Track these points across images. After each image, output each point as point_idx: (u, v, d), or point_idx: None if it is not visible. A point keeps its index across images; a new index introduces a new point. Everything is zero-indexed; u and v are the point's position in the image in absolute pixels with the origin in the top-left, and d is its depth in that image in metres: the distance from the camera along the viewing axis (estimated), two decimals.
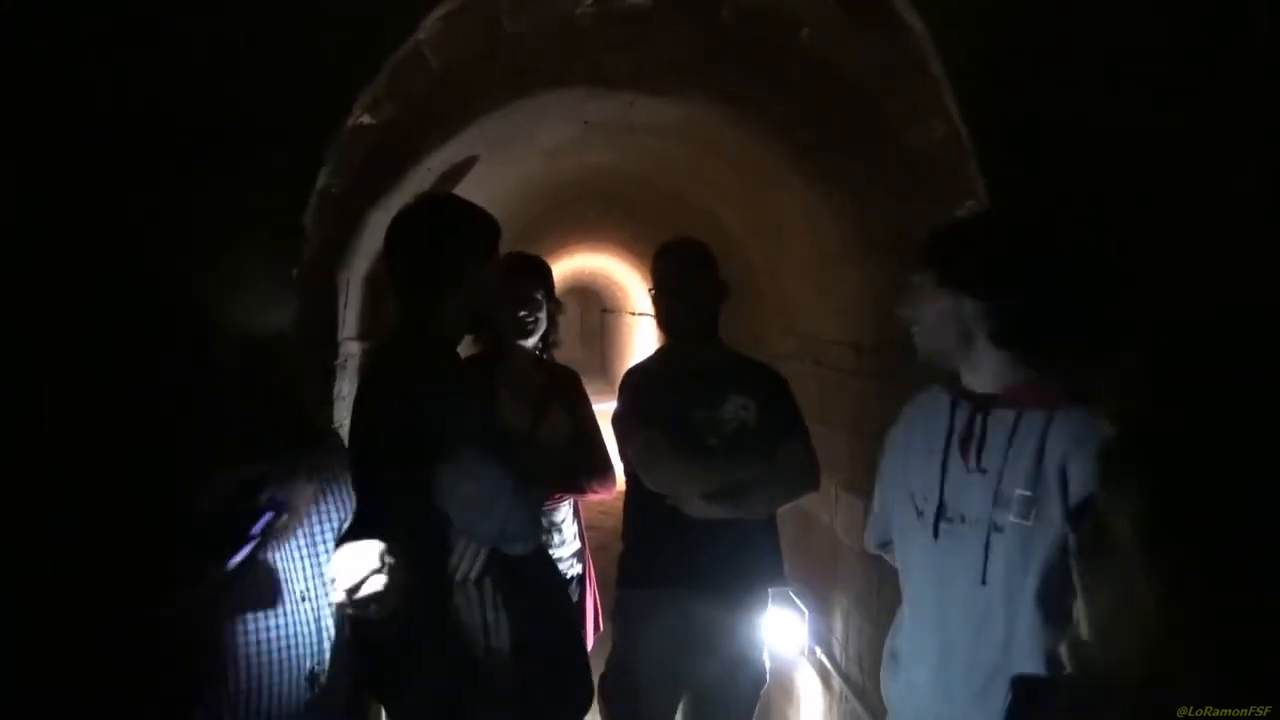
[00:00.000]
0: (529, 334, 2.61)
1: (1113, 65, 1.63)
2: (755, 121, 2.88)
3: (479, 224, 1.96)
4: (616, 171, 4.41)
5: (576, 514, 2.77)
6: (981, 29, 1.73)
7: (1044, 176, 1.67)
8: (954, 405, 1.63)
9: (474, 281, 1.92)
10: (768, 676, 2.57)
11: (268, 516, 1.52)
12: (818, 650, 3.44)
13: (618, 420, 2.54)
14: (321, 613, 1.65)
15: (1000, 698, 1.51)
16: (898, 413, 1.85)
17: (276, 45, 1.74)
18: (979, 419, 1.58)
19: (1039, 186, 1.68)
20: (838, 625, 3.31)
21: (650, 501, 2.39)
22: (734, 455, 2.38)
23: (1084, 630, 1.50)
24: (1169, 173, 1.55)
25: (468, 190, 2.93)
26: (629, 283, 11.32)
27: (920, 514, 1.64)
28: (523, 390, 2.58)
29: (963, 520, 1.57)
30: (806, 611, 3.40)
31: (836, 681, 3.23)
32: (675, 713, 2.55)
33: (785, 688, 3.89)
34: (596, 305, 17.89)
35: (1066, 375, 1.58)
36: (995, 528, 1.52)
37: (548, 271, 2.74)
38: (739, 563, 2.44)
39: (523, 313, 2.58)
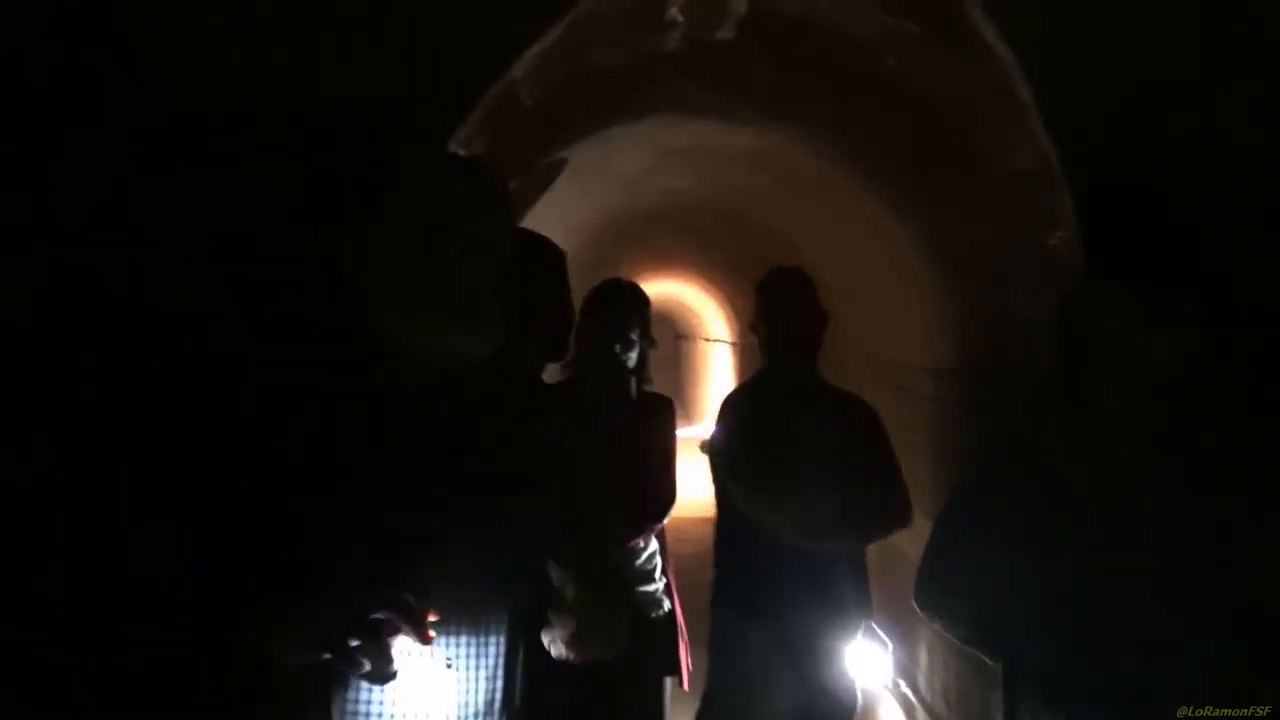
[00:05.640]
0: (616, 367, 2.42)
1: (1207, 86, 1.60)
2: (835, 148, 2.88)
3: (531, 251, 1.96)
4: (692, 198, 4.45)
5: (663, 548, 2.56)
6: (1069, 53, 1.71)
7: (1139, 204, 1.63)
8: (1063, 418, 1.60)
9: (537, 306, 1.92)
10: (860, 705, 2.54)
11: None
12: (901, 683, 3.38)
13: (717, 445, 2.52)
14: (475, 680, 1.34)
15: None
16: (984, 452, 1.75)
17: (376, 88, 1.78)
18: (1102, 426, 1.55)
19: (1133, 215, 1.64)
20: (922, 658, 3.24)
21: (744, 528, 2.38)
22: (833, 485, 2.35)
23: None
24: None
25: (546, 217, 2.99)
26: (703, 309, 11.30)
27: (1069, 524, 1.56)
28: (600, 423, 2.37)
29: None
30: (890, 644, 3.35)
31: (921, 715, 3.16)
32: None
33: None
34: (671, 331, 17.90)
35: None
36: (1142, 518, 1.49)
37: (642, 300, 2.52)
38: (827, 592, 2.42)
39: (614, 343, 2.41)
